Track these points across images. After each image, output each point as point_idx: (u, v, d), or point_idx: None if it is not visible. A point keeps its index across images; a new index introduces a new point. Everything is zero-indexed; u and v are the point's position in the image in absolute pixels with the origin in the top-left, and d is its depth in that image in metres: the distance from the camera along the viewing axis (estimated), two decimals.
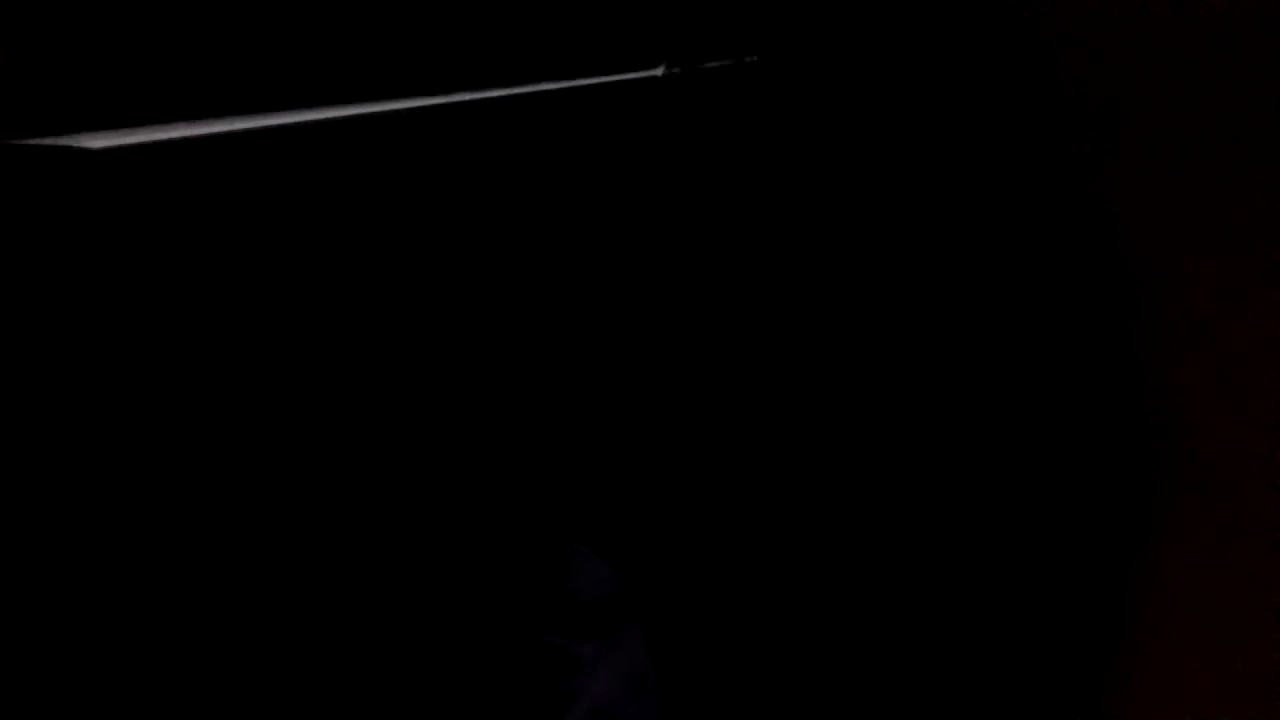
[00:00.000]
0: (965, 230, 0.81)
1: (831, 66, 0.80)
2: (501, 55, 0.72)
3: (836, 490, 0.80)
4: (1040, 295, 0.79)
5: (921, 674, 0.78)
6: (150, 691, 0.63)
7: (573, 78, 0.73)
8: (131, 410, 0.65)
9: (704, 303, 0.79)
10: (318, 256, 0.70)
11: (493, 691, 0.73)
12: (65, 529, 0.62)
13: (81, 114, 0.62)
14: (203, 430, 0.66)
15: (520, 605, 0.74)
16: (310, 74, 0.67)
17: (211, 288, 0.67)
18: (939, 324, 0.81)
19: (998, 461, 0.79)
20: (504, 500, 0.75)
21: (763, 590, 0.78)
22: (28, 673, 0.61)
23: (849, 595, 0.78)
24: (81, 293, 0.63)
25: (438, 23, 0.70)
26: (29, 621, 0.61)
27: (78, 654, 0.62)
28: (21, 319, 0.62)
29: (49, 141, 0.61)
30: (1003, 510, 0.79)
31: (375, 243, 0.71)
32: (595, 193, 0.75)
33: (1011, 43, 0.80)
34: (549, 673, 0.73)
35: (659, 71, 0.75)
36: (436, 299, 0.73)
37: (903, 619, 0.79)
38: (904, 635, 0.78)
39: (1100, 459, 0.79)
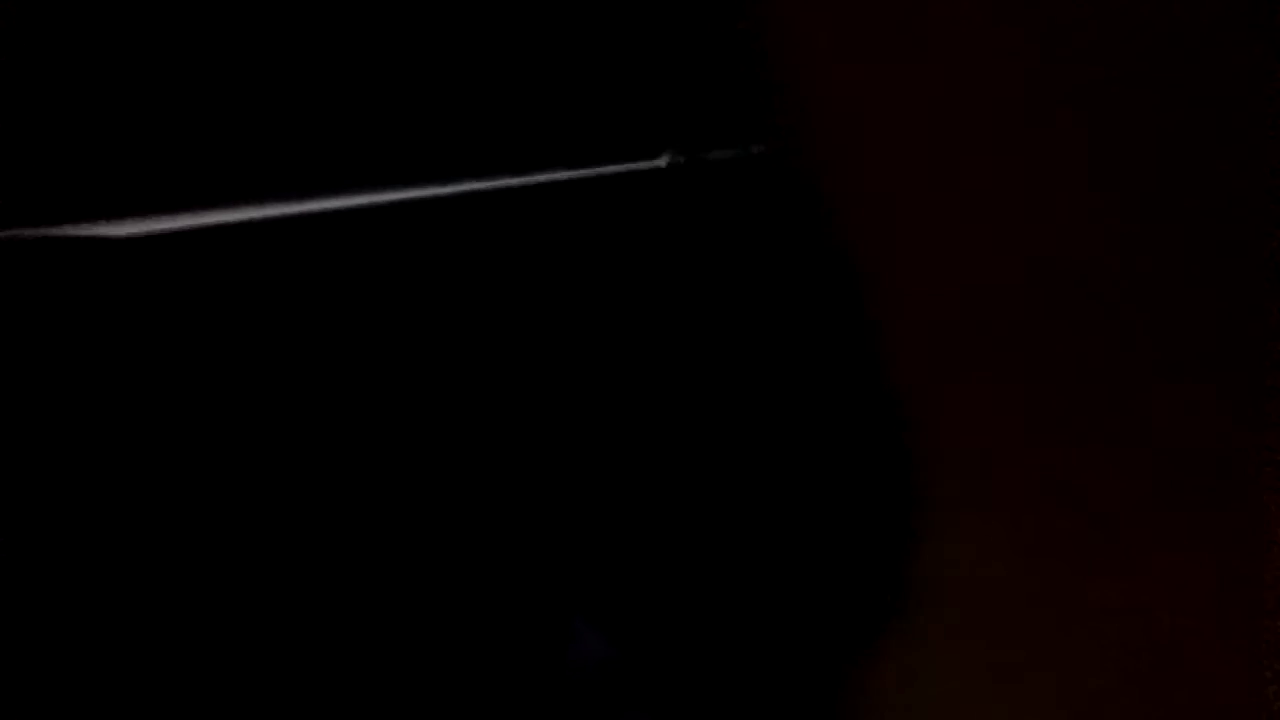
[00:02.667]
0: None
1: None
2: (503, 144, 0.74)
3: (833, 572, 0.79)
4: None
5: None
6: (150, 691, 0.68)
7: (575, 168, 0.75)
8: (132, 410, 0.66)
9: (708, 394, 0.80)
10: (328, 345, 0.72)
11: None
12: (65, 529, 0.68)
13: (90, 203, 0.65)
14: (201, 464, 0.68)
15: (519, 674, 0.75)
16: (308, 164, 0.70)
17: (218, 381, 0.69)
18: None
19: None
20: (502, 571, 0.76)
21: (758, 671, 0.78)
22: (28, 673, 0.66)
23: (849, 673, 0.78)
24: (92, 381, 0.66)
25: (439, 114, 0.74)
26: (28, 621, 0.66)
27: (77, 654, 0.68)
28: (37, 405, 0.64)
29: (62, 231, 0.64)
30: None
31: (378, 329, 0.73)
32: (597, 282, 0.77)
33: None
34: None
35: (663, 161, 0.77)
36: (438, 386, 0.75)
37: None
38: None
39: None
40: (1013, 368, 0.69)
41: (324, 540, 0.72)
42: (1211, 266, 0.63)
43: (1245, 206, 0.63)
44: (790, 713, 0.76)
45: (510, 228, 0.74)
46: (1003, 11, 0.63)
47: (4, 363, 0.66)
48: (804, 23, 0.68)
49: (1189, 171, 0.63)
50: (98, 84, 0.67)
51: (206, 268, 0.69)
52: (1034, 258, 0.67)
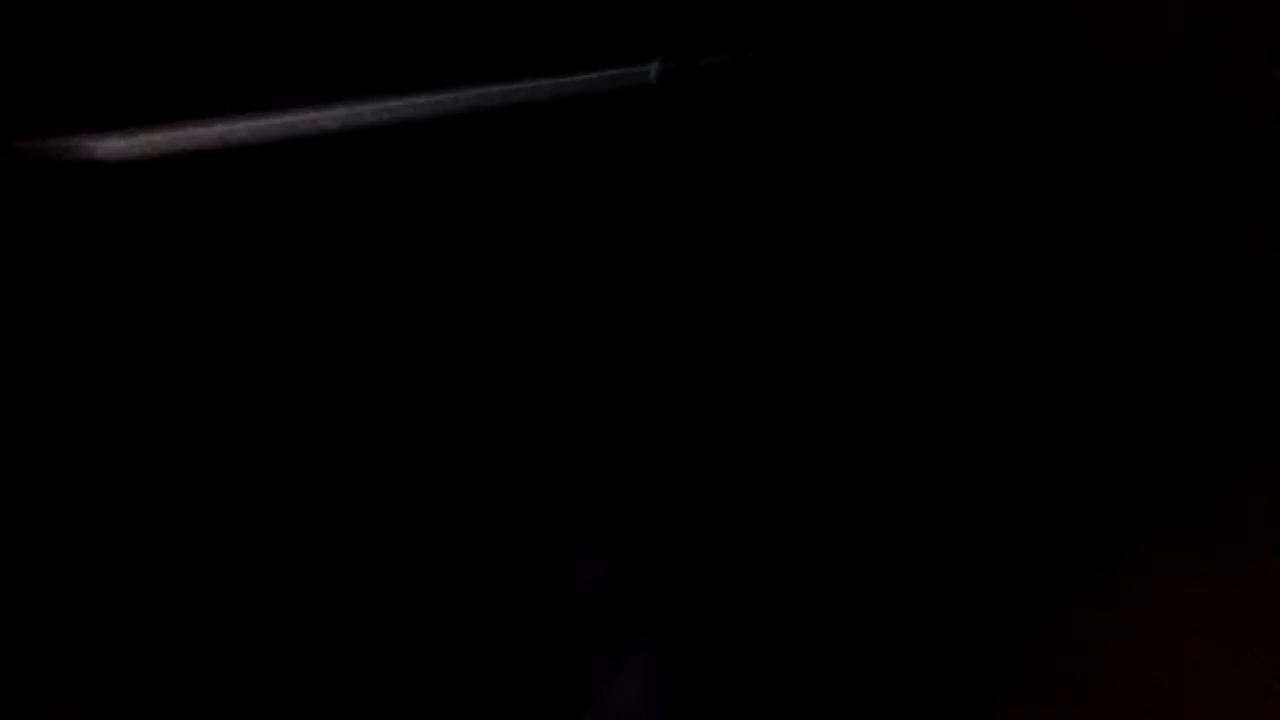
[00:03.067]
0: (970, 231, 0.81)
1: (832, 61, 0.79)
2: (488, 50, 0.71)
3: (830, 492, 0.79)
4: (1039, 298, 0.80)
5: (920, 674, 0.78)
6: (151, 691, 0.67)
7: (563, 74, 0.72)
8: (131, 411, 0.63)
9: (700, 306, 0.79)
10: (316, 259, 0.69)
11: (504, 699, 0.71)
12: (65, 529, 0.65)
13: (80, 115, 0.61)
14: (204, 432, 0.66)
15: (526, 604, 0.73)
16: (290, 73, 0.67)
17: (212, 294, 0.67)
18: (936, 326, 0.81)
19: (995, 463, 0.80)
20: (505, 500, 0.74)
21: (759, 594, 0.78)
22: (27, 672, 0.64)
23: (846, 596, 0.78)
24: (84, 295, 0.63)
25: (418, 18, 0.70)
26: (28, 621, 0.64)
27: (77, 654, 0.65)
28: (22, 326, 0.61)
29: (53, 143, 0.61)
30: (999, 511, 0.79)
31: (367, 246, 0.71)
32: (588, 195, 0.75)
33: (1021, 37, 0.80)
34: (560, 682, 0.72)
35: (653, 68, 0.74)
36: (433, 302, 0.72)
37: (899, 618, 0.79)
38: (901, 634, 0.78)
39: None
40: None
41: (319, 459, 0.71)
42: None
43: None
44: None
45: (501, 135, 0.72)
46: None
47: None
48: None
49: None
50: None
51: (192, 187, 0.65)
52: None
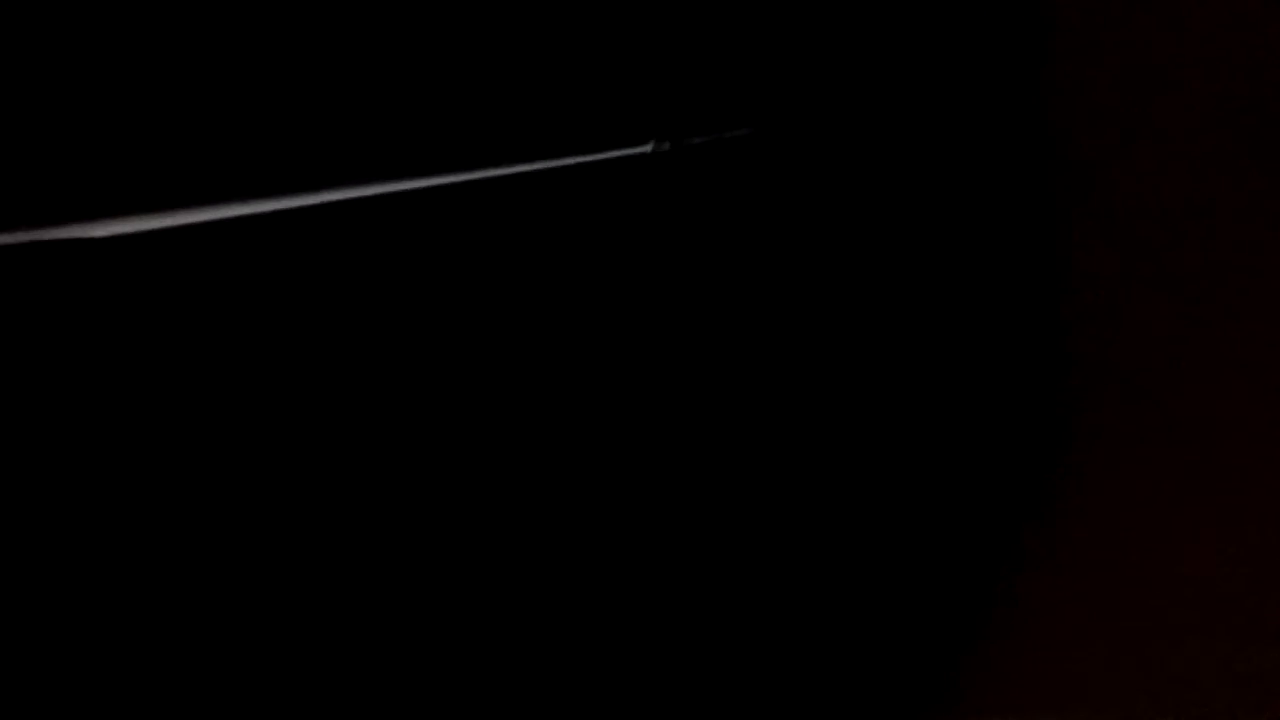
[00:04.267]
0: (958, 301, 0.84)
1: (823, 138, 0.82)
2: (489, 137, 0.75)
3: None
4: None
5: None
6: (150, 691, 0.68)
7: (562, 156, 0.75)
8: (132, 411, 0.67)
9: (693, 376, 0.81)
10: (315, 336, 0.72)
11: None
12: (64, 530, 0.66)
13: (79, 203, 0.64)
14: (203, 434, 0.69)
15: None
16: (295, 159, 0.70)
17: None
18: (925, 400, 0.84)
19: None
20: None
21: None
22: (27, 673, 0.65)
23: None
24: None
25: (424, 105, 0.74)
26: (27, 622, 0.65)
27: (77, 654, 0.66)
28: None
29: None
30: None
31: (375, 326, 0.74)
32: (585, 270, 0.78)
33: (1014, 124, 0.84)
34: None
35: (648, 148, 0.77)
36: (426, 379, 0.75)
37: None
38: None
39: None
40: None
41: (317, 474, 0.73)
42: None
43: None
44: None
45: (501, 217, 0.75)
46: None
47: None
48: None
49: None
50: (84, 85, 0.67)
51: (195, 266, 0.69)
52: None
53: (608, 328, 0.78)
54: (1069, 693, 0.81)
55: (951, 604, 0.83)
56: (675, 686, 0.79)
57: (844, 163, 0.80)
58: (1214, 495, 0.79)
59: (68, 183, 0.67)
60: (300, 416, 0.72)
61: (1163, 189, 0.79)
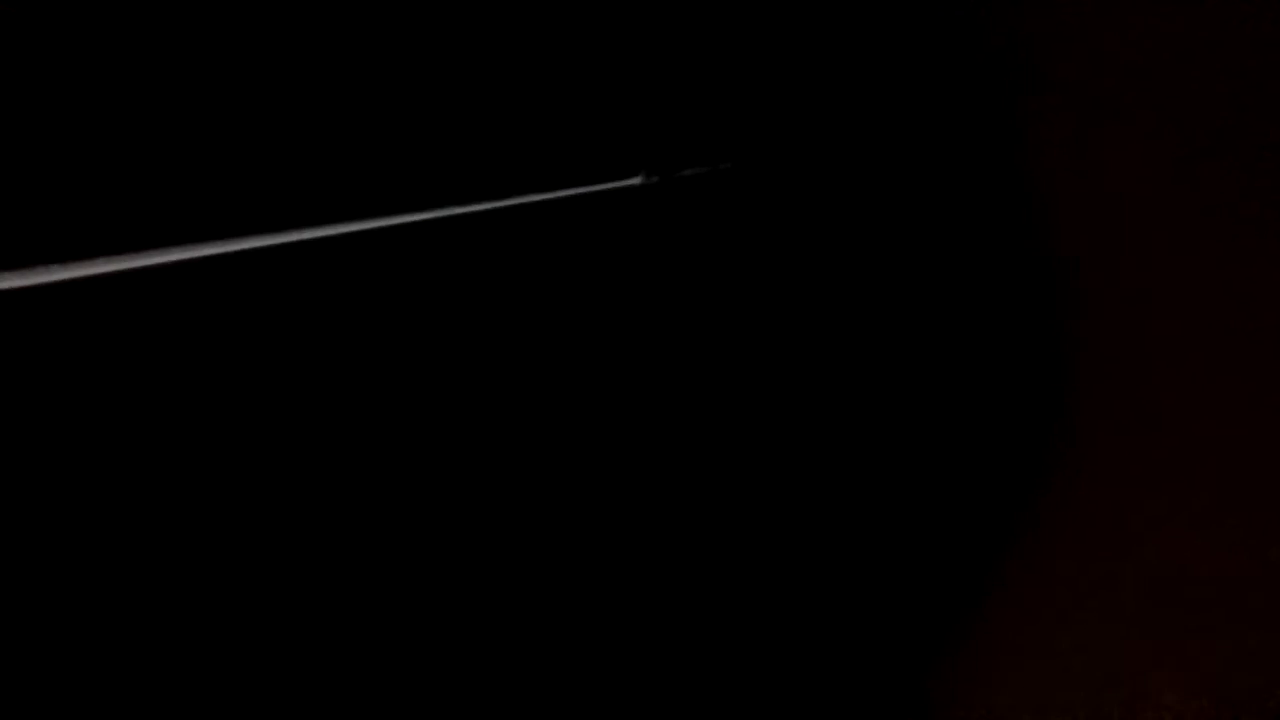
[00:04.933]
0: (945, 328, 0.86)
1: (803, 171, 0.86)
2: (495, 172, 0.79)
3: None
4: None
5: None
6: (150, 691, 0.68)
7: (560, 189, 0.80)
8: (133, 412, 0.68)
9: (686, 388, 0.85)
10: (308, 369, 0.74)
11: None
12: (65, 530, 0.65)
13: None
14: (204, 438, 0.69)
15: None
16: (298, 194, 0.72)
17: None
18: (925, 426, 0.87)
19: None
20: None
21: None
22: (27, 673, 0.64)
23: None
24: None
25: (421, 140, 0.76)
26: (27, 622, 0.64)
27: (77, 654, 0.66)
28: None
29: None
30: None
31: (372, 348, 0.75)
32: (582, 291, 0.81)
33: (991, 148, 0.85)
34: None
35: (638, 180, 0.82)
36: (422, 412, 0.77)
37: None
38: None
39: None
40: None
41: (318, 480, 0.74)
42: None
43: None
44: None
45: (507, 244, 0.78)
46: None
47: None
48: None
49: None
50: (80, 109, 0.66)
51: (191, 301, 0.69)
52: None
53: (604, 345, 0.83)
54: (1069, 694, 0.83)
55: (950, 604, 0.85)
56: (664, 683, 0.82)
57: (826, 183, 0.85)
58: (1212, 494, 0.79)
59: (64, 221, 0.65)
60: (306, 449, 0.73)
61: (1156, 188, 0.79)
